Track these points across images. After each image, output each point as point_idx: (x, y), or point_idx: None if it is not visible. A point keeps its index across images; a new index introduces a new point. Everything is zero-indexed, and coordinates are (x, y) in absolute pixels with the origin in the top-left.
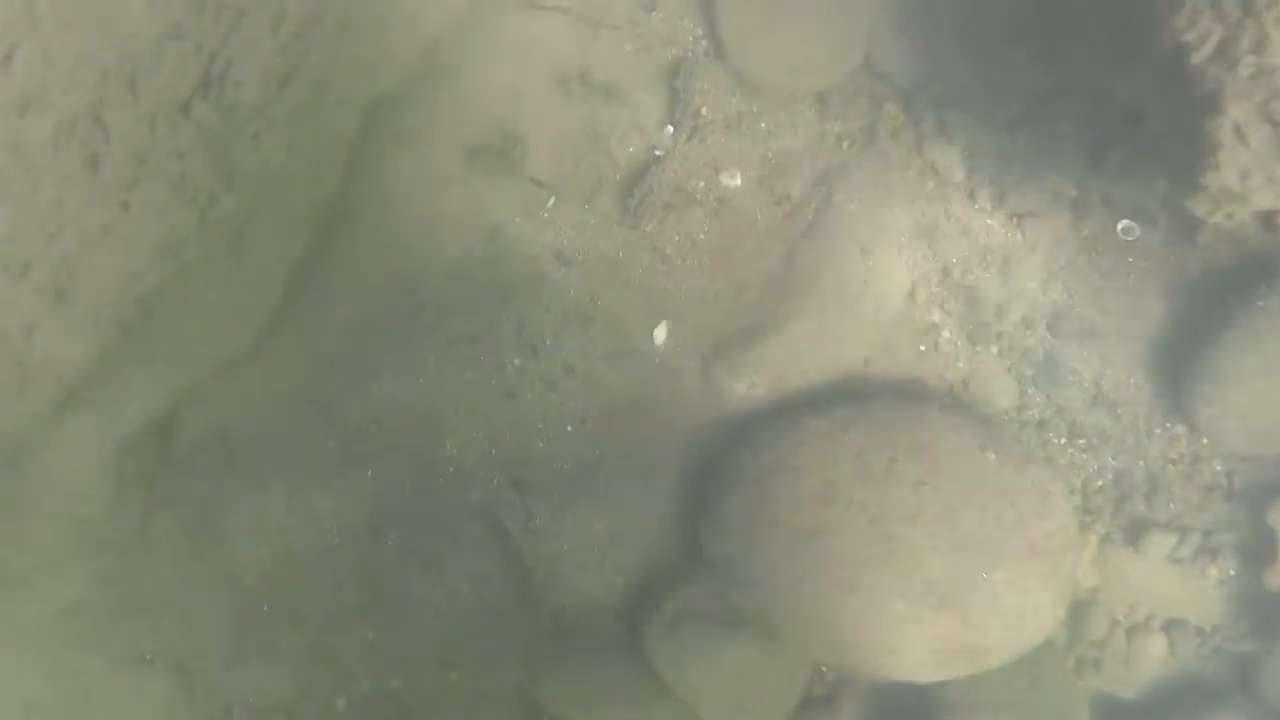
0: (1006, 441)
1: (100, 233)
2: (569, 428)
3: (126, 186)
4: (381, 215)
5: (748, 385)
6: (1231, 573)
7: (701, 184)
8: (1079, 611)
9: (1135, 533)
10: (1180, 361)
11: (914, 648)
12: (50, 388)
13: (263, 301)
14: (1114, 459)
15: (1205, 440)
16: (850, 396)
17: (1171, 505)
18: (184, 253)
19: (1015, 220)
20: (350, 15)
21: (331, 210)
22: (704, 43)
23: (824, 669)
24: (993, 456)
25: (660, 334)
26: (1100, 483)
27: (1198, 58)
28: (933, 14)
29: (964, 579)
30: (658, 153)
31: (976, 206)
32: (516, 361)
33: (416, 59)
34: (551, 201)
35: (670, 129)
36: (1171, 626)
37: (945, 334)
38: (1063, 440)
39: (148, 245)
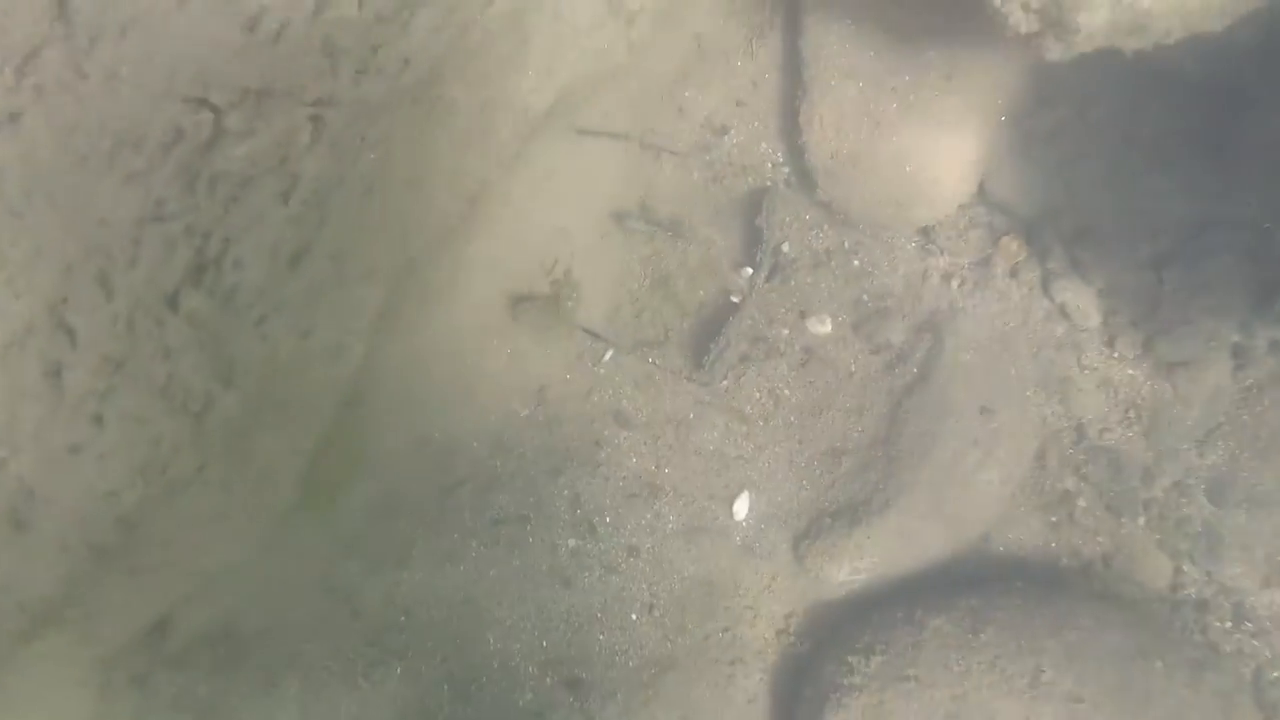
0: (1172, 640)
1: (67, 452)
2: (634, 617)
3: (98, 397)
4: (409, 379)
5: (849, 571)
6: None
7: (785, 332)
8: None
9: None
10: None
11: None
12: (10, 617)
13: (272, 502)
14: None
15: None
16: (974, 584)
17: None
18: (174, 465)
19: (1164, 370)
20: (378, 176)
21: (353, 387)
22: (785, 170)
23: None
24: (1159, 664)
25: (741, 508)
26: (1276, 674)
27: None
28: (1063, 135)
29: None
30: (734, 298)
31: (1116, 355)
32: (571, 542)
33: (457, 216)
34: (609, 355)
35: (749, 271)
36: None
37: (1082, 504)
38: (1228, 624)
39: (127, 461)
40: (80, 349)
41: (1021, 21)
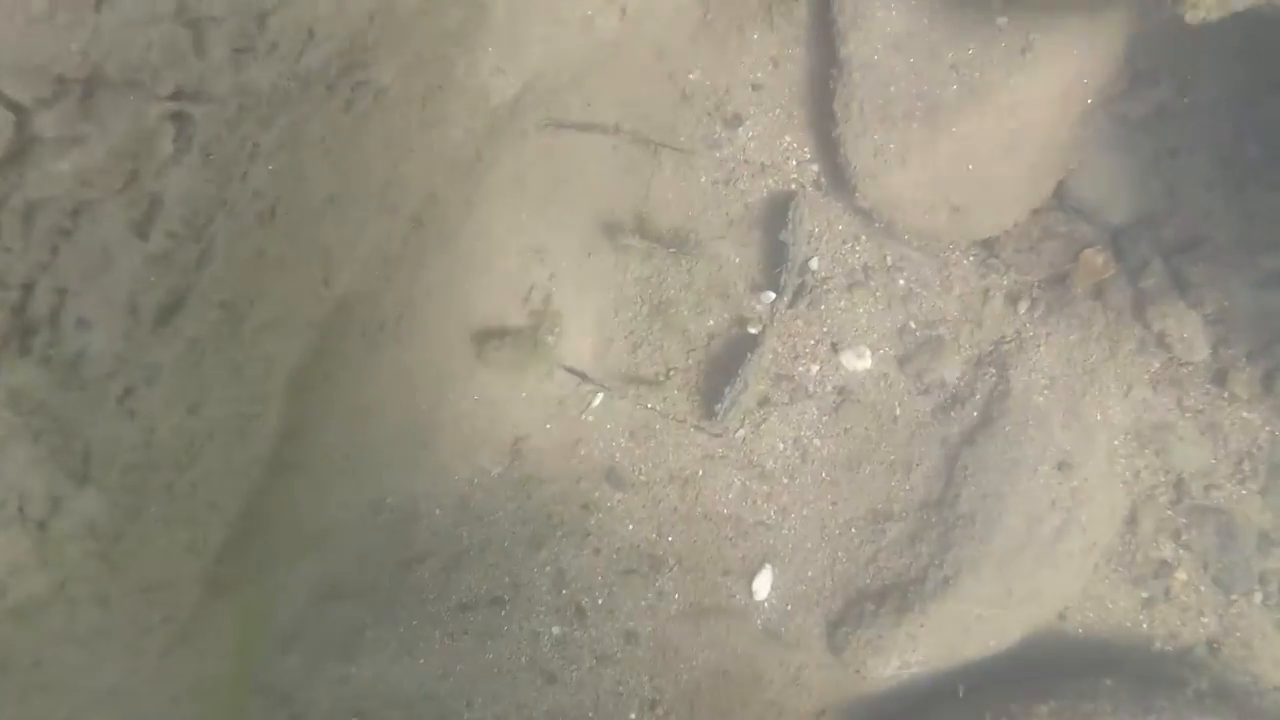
0: None
1: None
2: (633, 716)
3: None
4: (354, 436)
5: (897, 666)
6: None
7: (814, 368)
8: None
9: None
10: None
11: None
12: None
13: (170, 610)
14: None
15: None
16: (1051, 679)
17: None
18: (16, 587)
19: None
20: (281, 194)
21: (279, 454)
22: (814, 169)
23: None
24: None
25: (762, 585)
26: None
27: None
28: (1164, 121)
29: None
30: (751, 329)
31: (1227, 395)
32: (556, 629)
33: (398, 240)
34: (598, 400)
35: (769, 295)
36: None
37: (1181, 576)
38: None
39: None
40: None
41: None
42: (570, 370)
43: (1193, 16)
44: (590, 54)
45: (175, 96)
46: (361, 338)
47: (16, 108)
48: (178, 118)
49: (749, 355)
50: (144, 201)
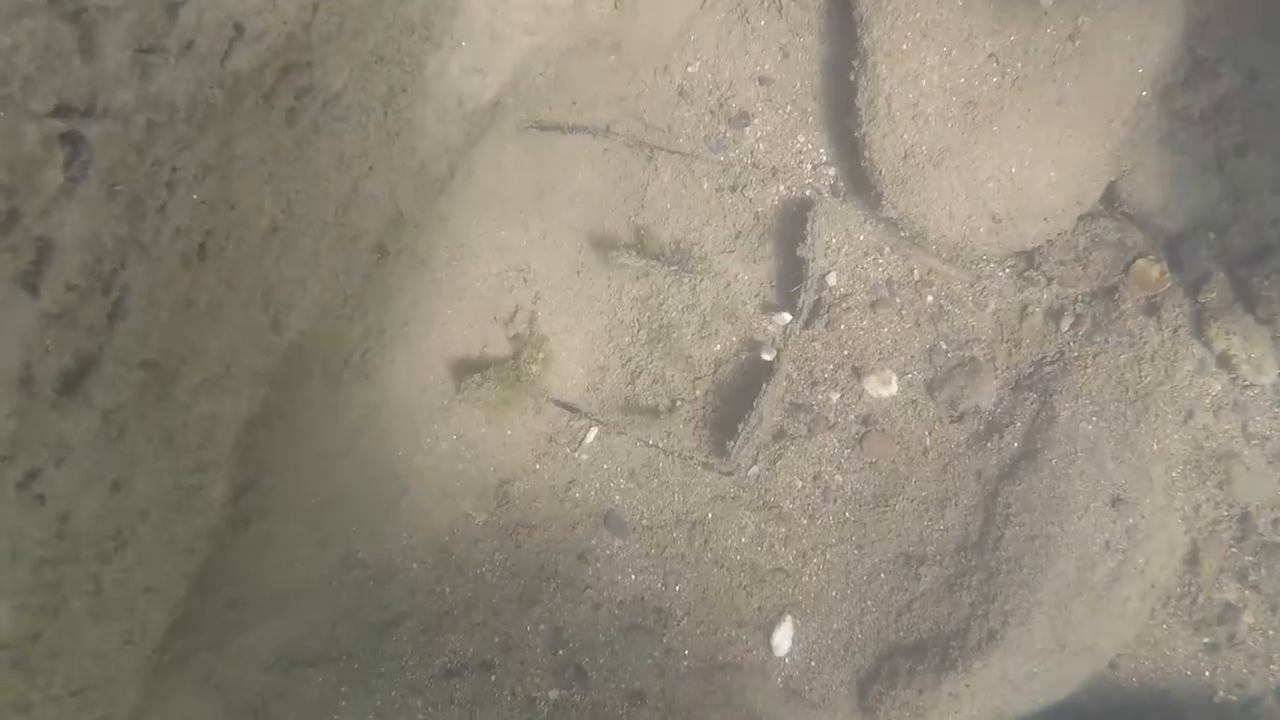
0: None
1: None
2: None
3: None
4: (321, 485)
5: None
6: None
7: (834, 396)
8: None
9: None
10: None
11: None
12: None
13: (104, 713)
14: None
15: None
16: None
17: None
18: None
19: None
20: (212, 228)
21: (240, 510)
22: (830, 173)
23: None
24: None
25: (782, 639)
26: None
27: None
28: (1228, 116)
29: None
30: (765, 355)
31: None
32: (553, 694)
33: (359, 275)
34: (592, 436)
35: (785, 317)
36: None
37: (1248, 620)
38: None
39: None
40: None
41: None
42: (560, 404)
43: None
44: (577, 45)
45: (60, 113)
46: (322, 376)
47: None
48: (67, 140)
49: (764, 385)
50: (29, 248)
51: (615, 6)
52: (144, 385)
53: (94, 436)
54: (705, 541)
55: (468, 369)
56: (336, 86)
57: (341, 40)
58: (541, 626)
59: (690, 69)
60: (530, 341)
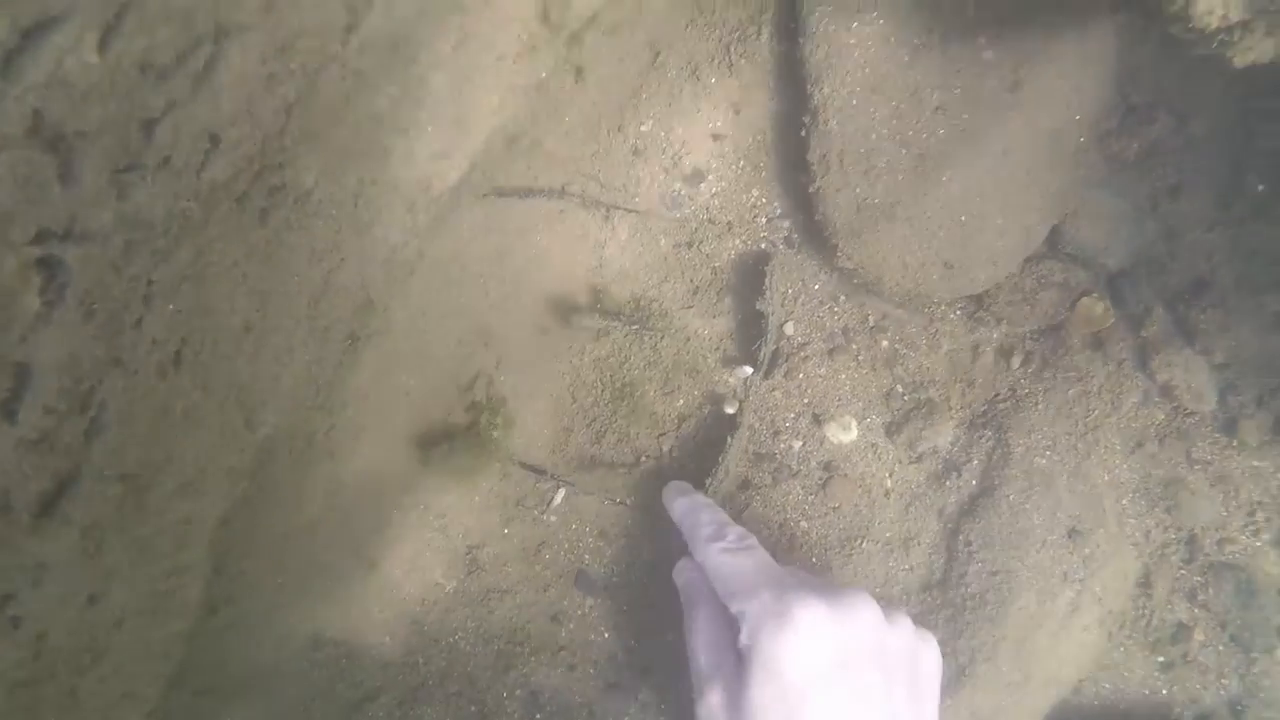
0: None
1: None
2: None
3: None
4: (286, 563)
5: None
6: None
7: (796, 444)
8: None
9: None
10: None
11: None
12: None
13: None
14: None
15: None
16: None
17: None
18: None
19: None
20: (188, 337)
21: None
22: (785, 225)
23: None
24: None
25: None
26: None
27: None
28: (1160, 158)
29: None
30: (728, 409)
31: (1236, 443)
32: None
33: (331, 365)
34: (559, 497)
35: (746, 370)
36: None
37: (1199, 637)
38: None
39: None
40: None
41: (1216, 9)
42: (527, 467)
43: (1242, 60)
44: (536, 115)
45: (38, 239)
46: (289, 457)
47: None
48: (44, 264)
49: (729, 439)
50: (7, 375)
51: (576, 81)
52: (121, 499)
53: (71, 554)
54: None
55: (432, 439)
56: (308, 183)
57: (312, 138)
58: (518, 691)
59: (644, 128)
60: (490, 406)
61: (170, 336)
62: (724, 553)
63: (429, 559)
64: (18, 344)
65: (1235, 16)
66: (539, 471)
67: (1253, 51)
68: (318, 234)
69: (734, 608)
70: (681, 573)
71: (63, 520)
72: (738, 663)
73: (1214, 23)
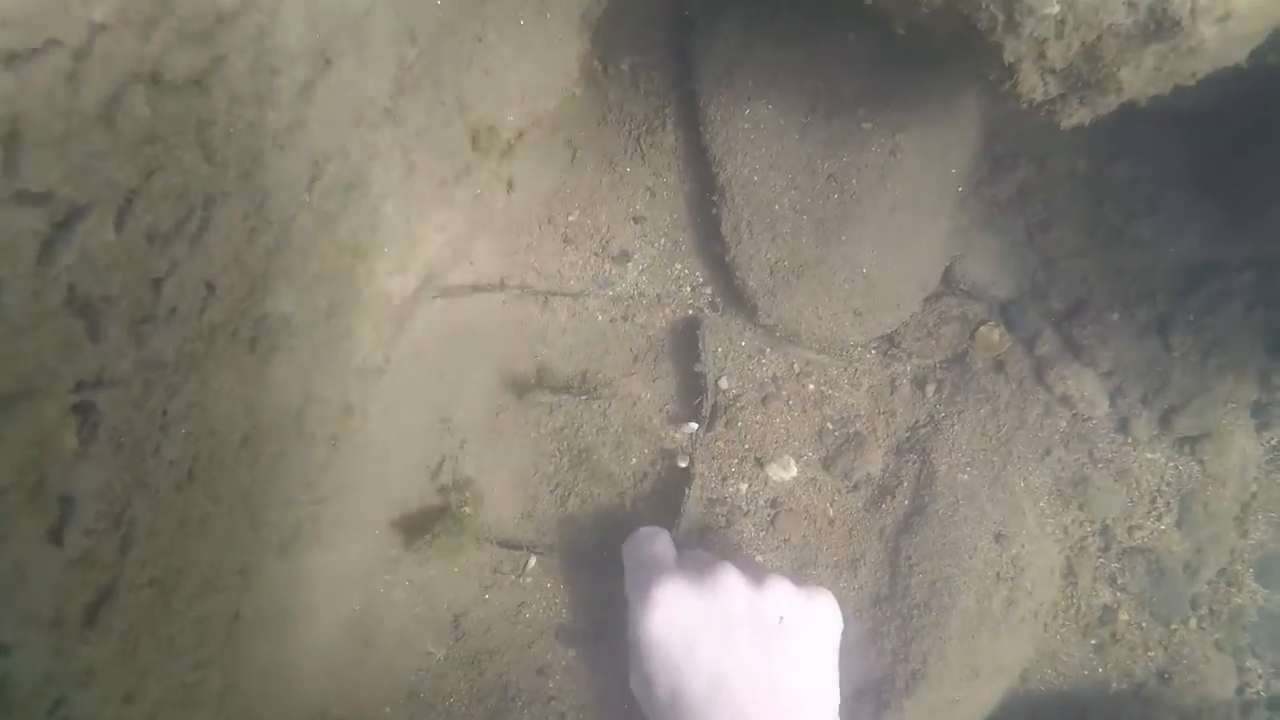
0: None
1: None
2: None
3: None
4: (288, 652)
5: None
6: None
7: (744, 486)
8: None
9: None
10: None
11: None
12: None
13: None
14: None
15: None
16: None
17: None
18: None
19: (1186, 447)
20: (198, 456)
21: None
22: (707, 291)
23: None
24: None
25: None
26: None
27: None
28: (1027, 198)
29: None
30: (681, 463)
31: (1130, 440)
32: None
33: (317, 467)
34: (531, 563)
35: (692, 426)
36: None
37: (1124, 617)
38: None
39: None
40: None
41: (1037, 84)
42: (502, 543)
43: (1066, 123)
44: (475, 222)
45: (76, 389)
46: (279, 549)
47: None
48: (81, 409)
49: (685, 490)
50: (54, 506)
51: (508, 192)
52: (151, 603)
53: (112, 657)
54: None
55: (410, 523)
56: (287, 310)
57: (290, 273)
58: None
59: (571, 218)
60: (457, 486)
61: (183, 456)
62: (631, 559)
63: (418, 631)
64: (62, 478)
65: (1054, 91)
66: (514, 546)
67: (1074, 116)
68: (298, 352)
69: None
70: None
71: (105, 628)
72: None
73: (1038, 97)
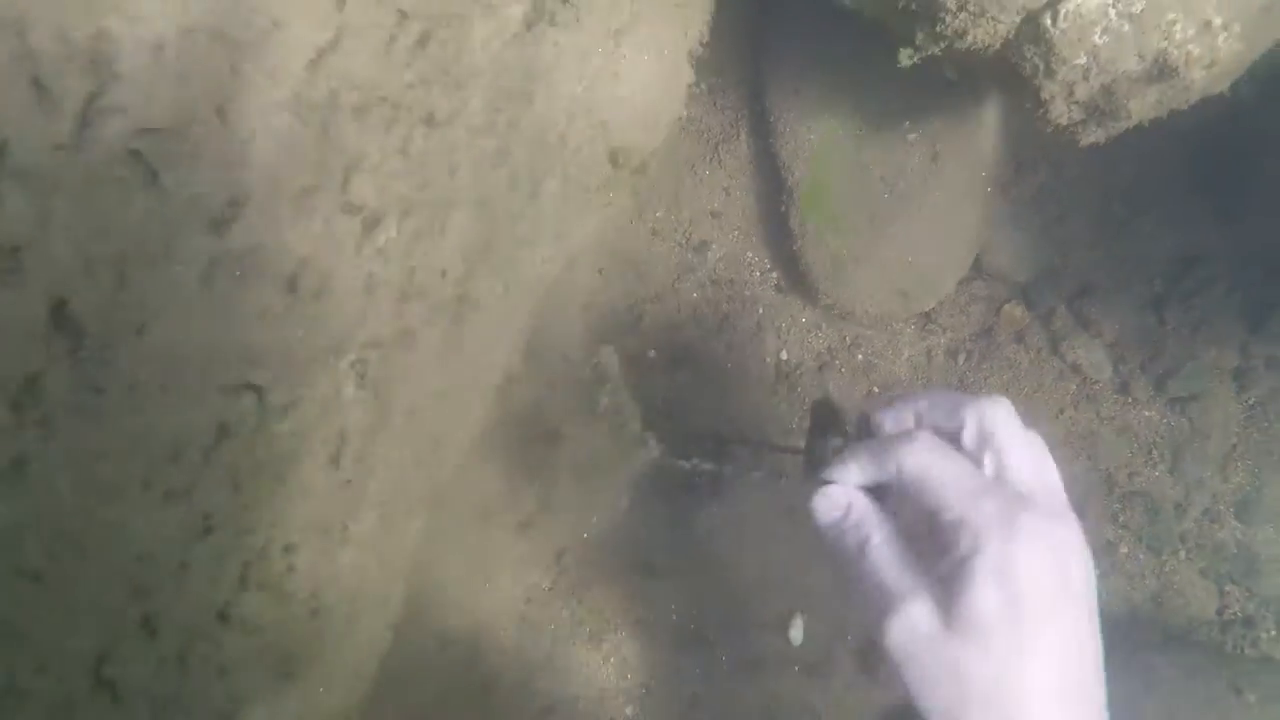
0: (1228, 657)
1: None
2: None
3: None
4: (424, 579)
5: None
6: None
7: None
8: None
9: None
10: None
11: None
12: None
13: None
14: None
15: None
16: None
17: None
18: None
19: (1177, 406)
20: (404, 411)
21: None
22: (774, 276)
23: None
24: (1252, 697)
25: (796, 632)
26: None
27: None
28: (1045, 198)
29: None
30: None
31: (1131, 400)
32: None
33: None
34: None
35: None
36: None
37: (1124, 550)
38: (1273, 632)
39: None
40: (125, 703)
41: (1064, 113)
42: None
43: (1084, 142)
44: (605, 223)
45: (362, 346)
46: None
47: (258, 389)
48: (358, 365)
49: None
50: (336, 439)
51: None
52: (381, 517)
53: (352, 561)
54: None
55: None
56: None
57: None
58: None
59: (658, 214)
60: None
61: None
62: (929, 453)
63: (528, 565)
64: (341, 415)
65: (1077, 118)
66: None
67: (1091, 136)
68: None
69: (948, 515)
70: (827, 501)
71: (354, 536)
72: (944, 576)
73: (1064, 122)
